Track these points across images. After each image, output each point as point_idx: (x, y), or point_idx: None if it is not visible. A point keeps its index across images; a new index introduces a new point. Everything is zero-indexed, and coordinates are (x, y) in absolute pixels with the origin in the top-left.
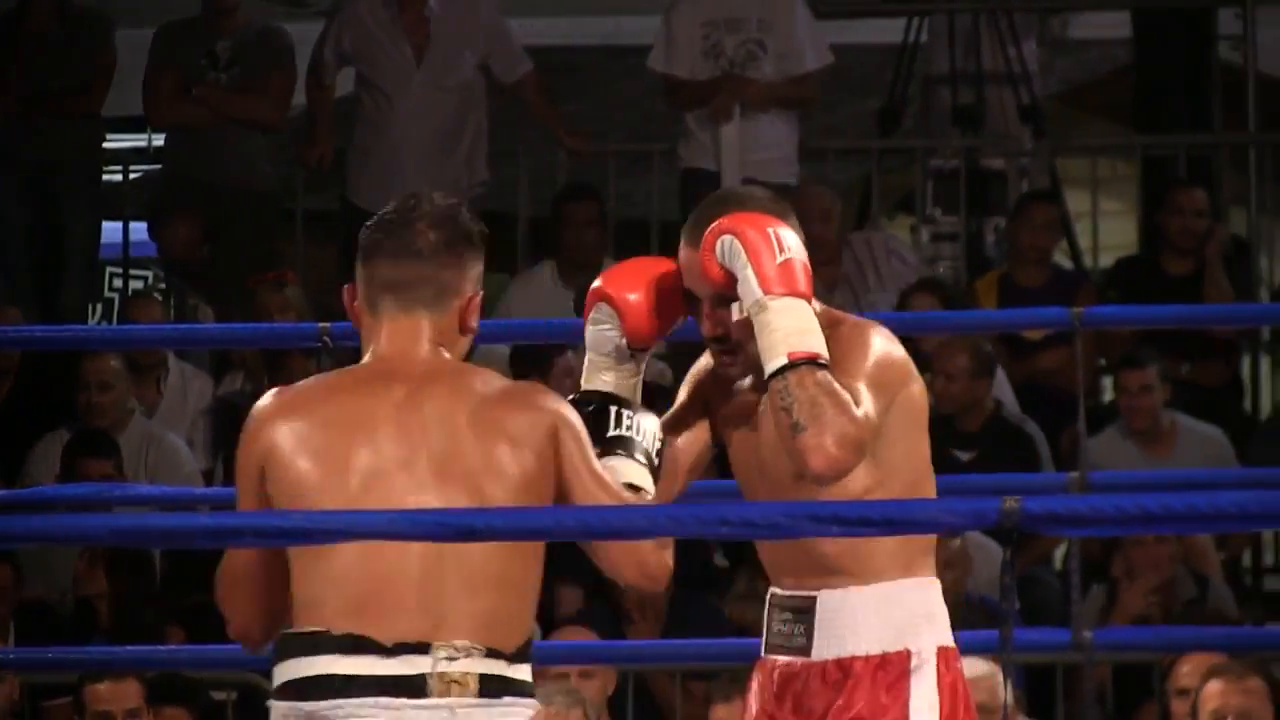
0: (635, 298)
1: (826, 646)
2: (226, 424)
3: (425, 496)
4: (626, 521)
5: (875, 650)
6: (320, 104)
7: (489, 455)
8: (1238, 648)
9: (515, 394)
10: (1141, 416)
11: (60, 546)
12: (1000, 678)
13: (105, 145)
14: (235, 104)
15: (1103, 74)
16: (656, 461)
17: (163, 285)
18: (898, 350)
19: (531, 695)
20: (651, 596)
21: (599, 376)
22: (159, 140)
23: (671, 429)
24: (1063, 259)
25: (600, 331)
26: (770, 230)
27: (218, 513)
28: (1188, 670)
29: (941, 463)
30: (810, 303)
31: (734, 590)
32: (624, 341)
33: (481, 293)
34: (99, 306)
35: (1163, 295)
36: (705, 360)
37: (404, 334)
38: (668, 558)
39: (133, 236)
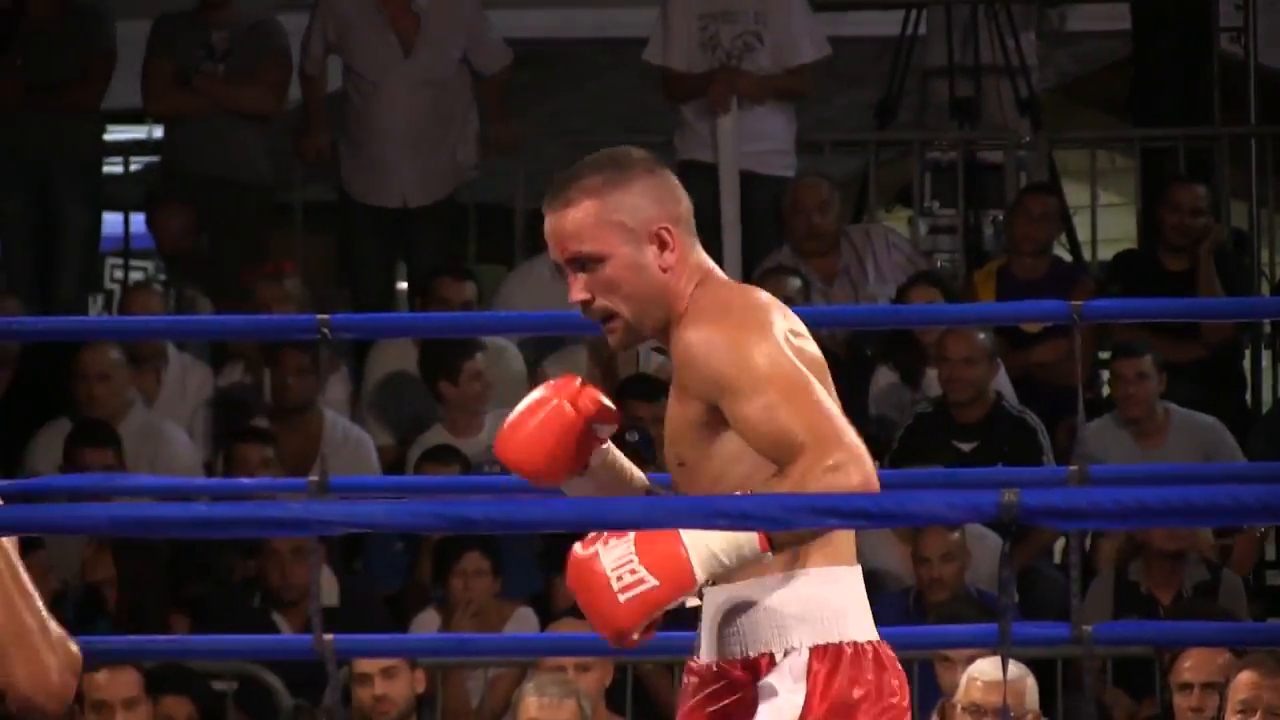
0: (534, 468)
1: (710, 648)
2: (226, 415)
3: None
4: (624, 514)
5: (752, 653)
6: (313, 95)
7: None
8: (1240, 642)
9: None
10: (1136, 405)
11: (62, 536)
12: (1031, 681)
13: (105, 138)
14: (232, 94)
15: (1101, 66)
16: None
17: (162, 277)
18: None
19: None
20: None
21: None
22: (159, 133)
23: None
24: (1061, 252)
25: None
26: (589, 604)
27: (217, 503)
28: (1190, 665)
29: (944, 453)
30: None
31: None
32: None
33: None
34: (99, 298)
35: (1160, 290)
36: None
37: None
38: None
39: (133, 229)
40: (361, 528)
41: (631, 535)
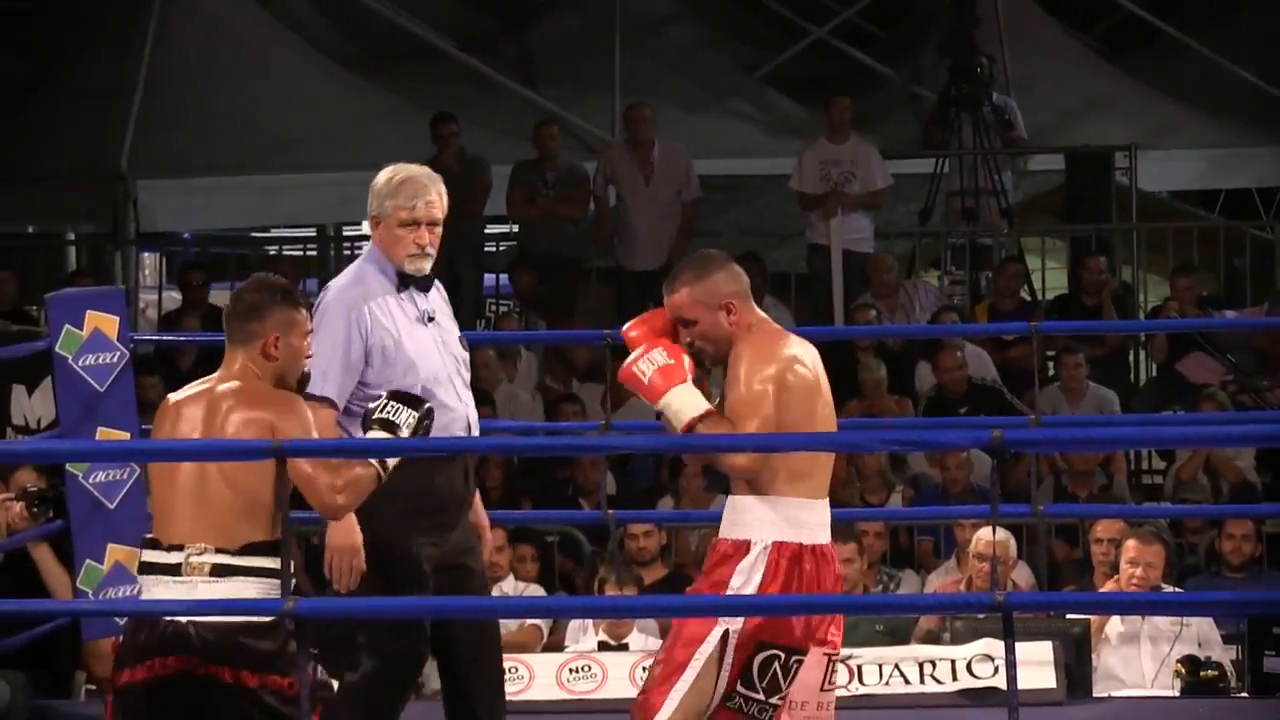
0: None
1: (722, 529)
2: (551, 387)
3: None
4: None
5: (735, 536)
6: (600, 207)
7: None
8: (1125, 516)
9: None
10: (1072, 382)
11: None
12: (1012, 540)
13: (485, 230)
14: (556, 208)
15: (1049, 189)
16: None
17: (517, 310)
18: (770, 368)
19: (261, 576)
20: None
21: None
22: (514, 228)
23: None
24: (1025, 295)
25: None
26: (634, 369)
27: (551, 436)
28: (1100, 529)
29: (952, 412)
30: (679, 383)
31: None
32: None
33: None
34: (481, 322)
35: (1083, 316)
36: None
37: None
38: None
39: (501, 282)
40: (628, 450)
41: (657, 366)
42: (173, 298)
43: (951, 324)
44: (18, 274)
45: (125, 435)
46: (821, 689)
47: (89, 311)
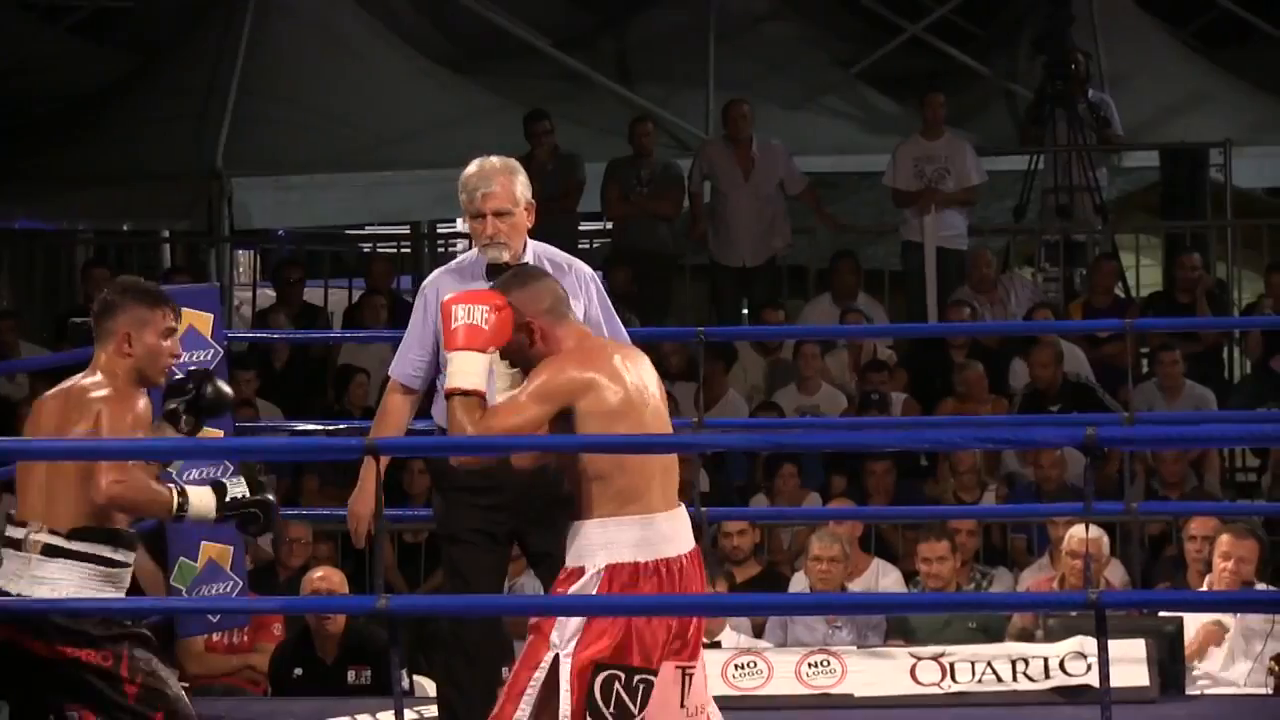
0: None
1: (566, 555)
2: None
3: None
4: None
5: (571, 564)
6: (696, 204)
7: None
8: (1219, 513)
9: None
10: (1169, 379)
11: None
12: (1105, 537)
13: (579, 227)
14: (651, 205)
15: (1143, 186)
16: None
17: (613, 307)
18: (565, 375)
19: (87, 561)
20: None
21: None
22: (609, 225)
23: None
24: (1119, 292)
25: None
26: (454, 306)
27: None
28: (1194, 526)
29: (1041, 411)
30: (474, 349)
31: (931, 480)
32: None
33: None
34: None
35: (1176, 314)
36: None
37: None
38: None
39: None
40: (722, 448)
41: (470, 321)
42: (267, 295)
43: (1045, 321)
44: (114, 271)
45: (219, 433)
46: (681, 705)
47: (184, 309)
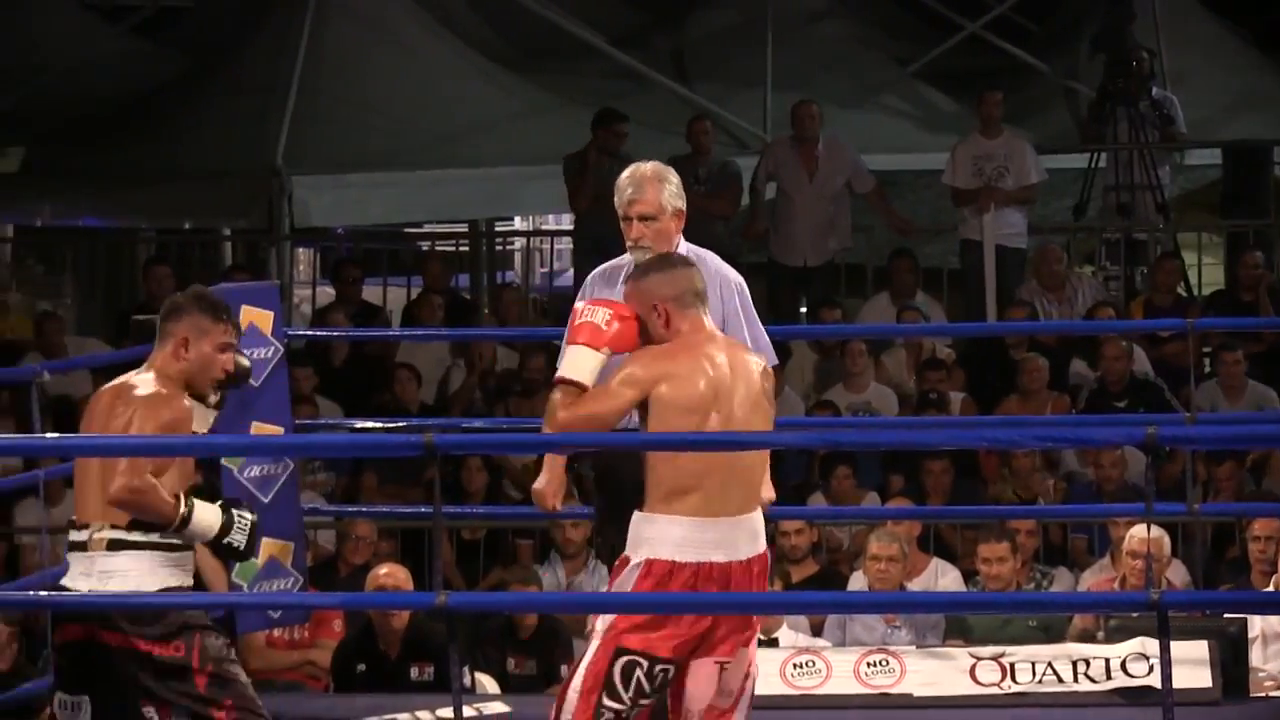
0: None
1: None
2: None
3: None
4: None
5: (625, 552)
6: (757, 203)
7: None
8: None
9: None
10: (1231, 379)
11: None
12: (1167, 540)
13: None
14: (708, 204)
15: (1205, 184)
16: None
17: None
18: (649, 365)
19: (151, 549)
20: None
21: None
22: None
23: None
24: (1181, 291)
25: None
26: (584, 305)
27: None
28: (1258, 526)
29: (1106, 408)
30: (587, 346)
31: (989, 481)
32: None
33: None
34: None
35: (1238, 313)
36: None
37: None
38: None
39: None
40: (777, 445)
41: (592, 320)
42: (326, 293)
43: (1107, 320)
44: (174, 270)
45: (279, 430)
46: (717, 693)
47: (244, 306)
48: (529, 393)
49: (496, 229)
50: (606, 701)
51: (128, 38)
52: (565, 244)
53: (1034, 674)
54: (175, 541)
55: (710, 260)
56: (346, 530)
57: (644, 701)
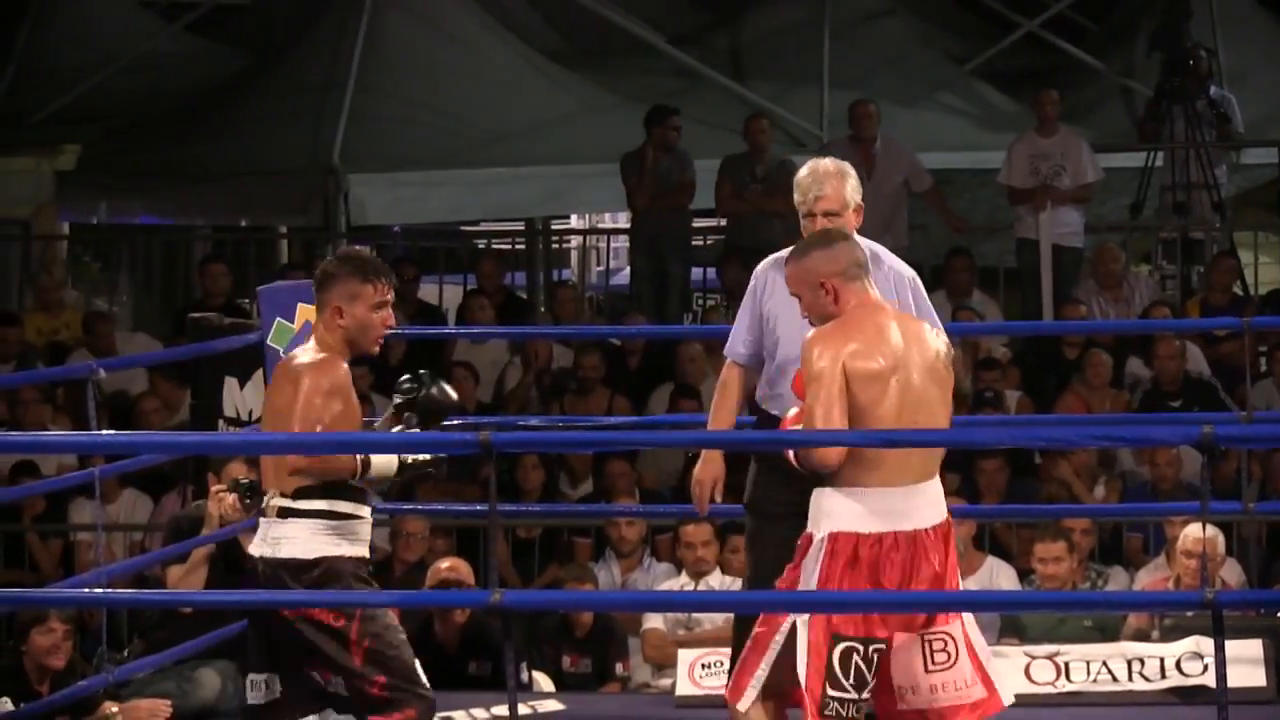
0: None
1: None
2: None
3: None
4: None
5: (808, 530)
6: None
7: None
8: None
9: None
10: None
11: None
12: (1222, 539)
13: (693, 224)
14: (764, 202)
15: (1262, 183)
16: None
17: (725, 304)
18: (829, 352)
19: (312, 517)
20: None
21: None
22: (722, 222)
23: None
24: (1237, 290)
25: None
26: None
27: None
28: None
29: (1160, 407)
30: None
31: (1042, 478)
32: None
33: None
34: (688, 315)
35: None
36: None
37: None
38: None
39: (709, 275)
40: (830, 443)
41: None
42: None
43: (1163, 318)
44: (231, 267)
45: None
46: (926, 670)
47: (300, 304)
48: (584, 391)
49: (553, 227)
50: (831, 692)
51: (184, 36)
52: (621, 242)
53: (1089, 673)
54: (339, 510)
55: (884, 256)
56: (399, 528)
57: (865, 695)
